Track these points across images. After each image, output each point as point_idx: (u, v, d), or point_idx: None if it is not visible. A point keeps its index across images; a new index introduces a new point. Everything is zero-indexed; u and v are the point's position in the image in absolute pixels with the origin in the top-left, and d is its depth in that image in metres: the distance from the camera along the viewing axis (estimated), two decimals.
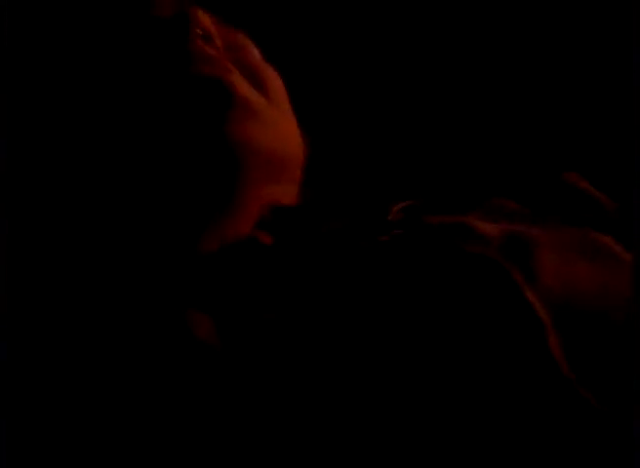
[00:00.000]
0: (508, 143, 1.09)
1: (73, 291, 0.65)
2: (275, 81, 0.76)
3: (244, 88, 0.70)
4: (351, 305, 0.62)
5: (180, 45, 0.68)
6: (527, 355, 0.59)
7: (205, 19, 0.71)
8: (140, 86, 0.67)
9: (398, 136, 1.12)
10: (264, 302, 0.63)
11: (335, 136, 1.07)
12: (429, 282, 0.62)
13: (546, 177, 0.80)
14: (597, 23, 1.11)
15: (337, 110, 1.11)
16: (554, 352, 0.59)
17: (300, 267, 0.66)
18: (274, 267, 0.66)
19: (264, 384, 0.59)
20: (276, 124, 0.72)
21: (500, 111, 1.11)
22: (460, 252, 0.63)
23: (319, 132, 0.80)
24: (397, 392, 0.58)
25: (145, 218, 0.67)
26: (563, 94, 1.11)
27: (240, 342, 0.61)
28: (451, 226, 0.67)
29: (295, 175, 0.75)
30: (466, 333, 0.60)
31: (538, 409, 0.58)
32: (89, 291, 0.65)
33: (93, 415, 0.58)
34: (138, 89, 0.67)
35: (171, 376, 0.59)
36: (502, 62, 1.12)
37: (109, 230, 0.66)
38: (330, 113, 1.09)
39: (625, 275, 0.65)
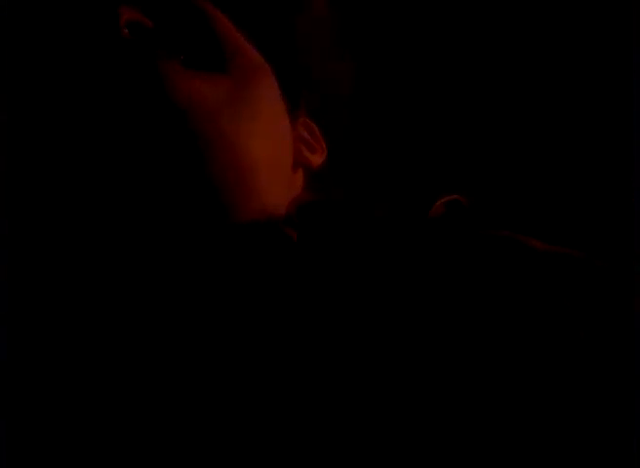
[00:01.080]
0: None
1: (86, 280, 0.64)
2: (245, 52, 0.72)
3: (168, 70, 0.67)
4: (376, 309, 0.59)
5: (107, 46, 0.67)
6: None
7: (127, 12, 0.68)
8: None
9: (436, 128, 1.10)
10: (286, 300, 0.61)
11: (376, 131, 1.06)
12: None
13: None
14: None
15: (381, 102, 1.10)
16: None
17: (326, 265, 0.63)
18: (299, 263, 0.63)
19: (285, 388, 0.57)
20: (233, 102, 0.68)
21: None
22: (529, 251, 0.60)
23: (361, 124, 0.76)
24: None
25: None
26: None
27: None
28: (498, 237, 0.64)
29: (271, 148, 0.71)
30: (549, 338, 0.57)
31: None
32: (104, 281, 0.64)
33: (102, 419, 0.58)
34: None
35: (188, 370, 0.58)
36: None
37: (115, 222, 0.65)
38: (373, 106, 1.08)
39: None
